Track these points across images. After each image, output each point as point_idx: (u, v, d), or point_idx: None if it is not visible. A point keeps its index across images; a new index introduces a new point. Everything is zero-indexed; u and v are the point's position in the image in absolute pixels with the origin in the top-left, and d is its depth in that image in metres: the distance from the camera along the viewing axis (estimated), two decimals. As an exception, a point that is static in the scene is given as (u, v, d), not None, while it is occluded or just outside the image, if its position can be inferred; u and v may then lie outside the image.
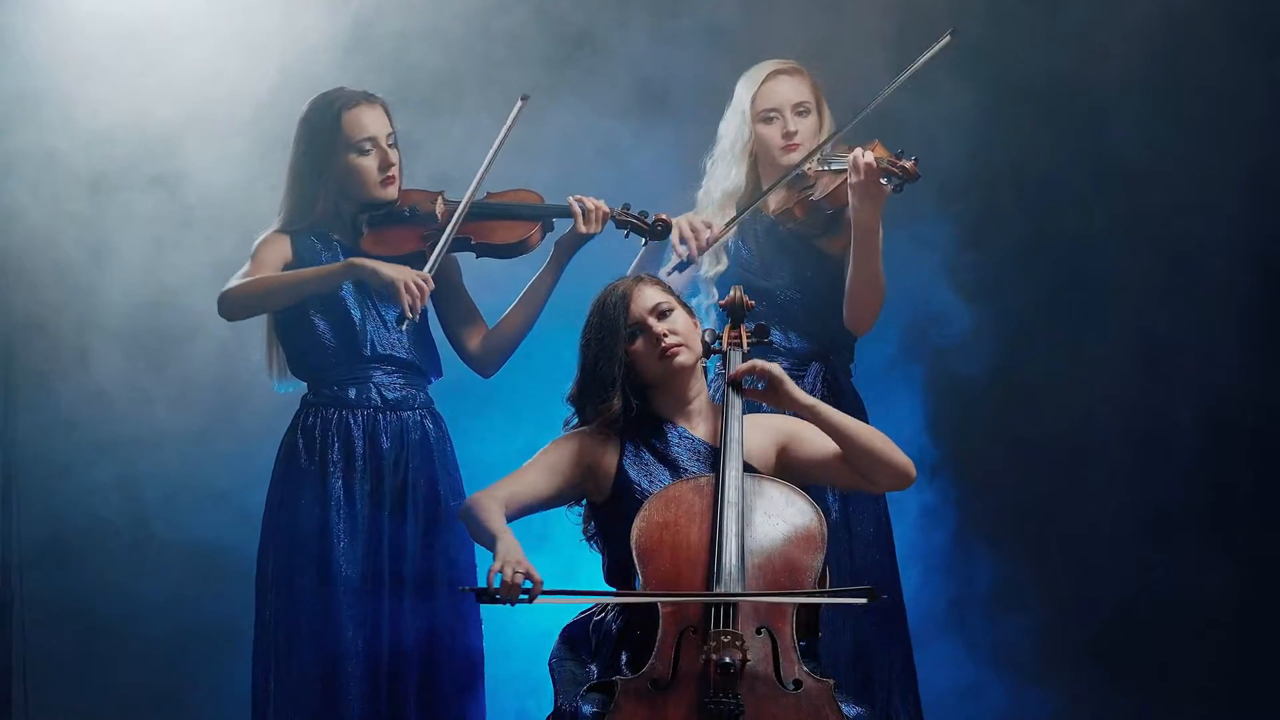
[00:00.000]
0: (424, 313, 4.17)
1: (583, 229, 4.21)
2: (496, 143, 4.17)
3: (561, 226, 4.28)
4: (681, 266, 4.27)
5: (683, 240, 4.25)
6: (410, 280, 4.06)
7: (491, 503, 3.77)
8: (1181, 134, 5.17)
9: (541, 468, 3.86)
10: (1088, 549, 5.21)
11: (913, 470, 3.81)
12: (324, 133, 4.17)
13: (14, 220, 4.97)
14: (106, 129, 4.94)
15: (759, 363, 3.82)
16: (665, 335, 3.82)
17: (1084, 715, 5.13)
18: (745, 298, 3.95)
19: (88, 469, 5.03)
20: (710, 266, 4.36)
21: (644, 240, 4.28)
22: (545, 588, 3.58)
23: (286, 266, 4.19)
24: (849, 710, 3.58)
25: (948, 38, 4.20)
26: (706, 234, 4.27)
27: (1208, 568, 5.15)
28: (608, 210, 4.22)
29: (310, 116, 4.21)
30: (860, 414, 4.31)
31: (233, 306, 4.15)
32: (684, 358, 3.84)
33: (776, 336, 4.28)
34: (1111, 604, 5.18)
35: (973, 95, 5.02)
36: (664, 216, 4.26)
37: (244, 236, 4.82)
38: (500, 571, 3.58)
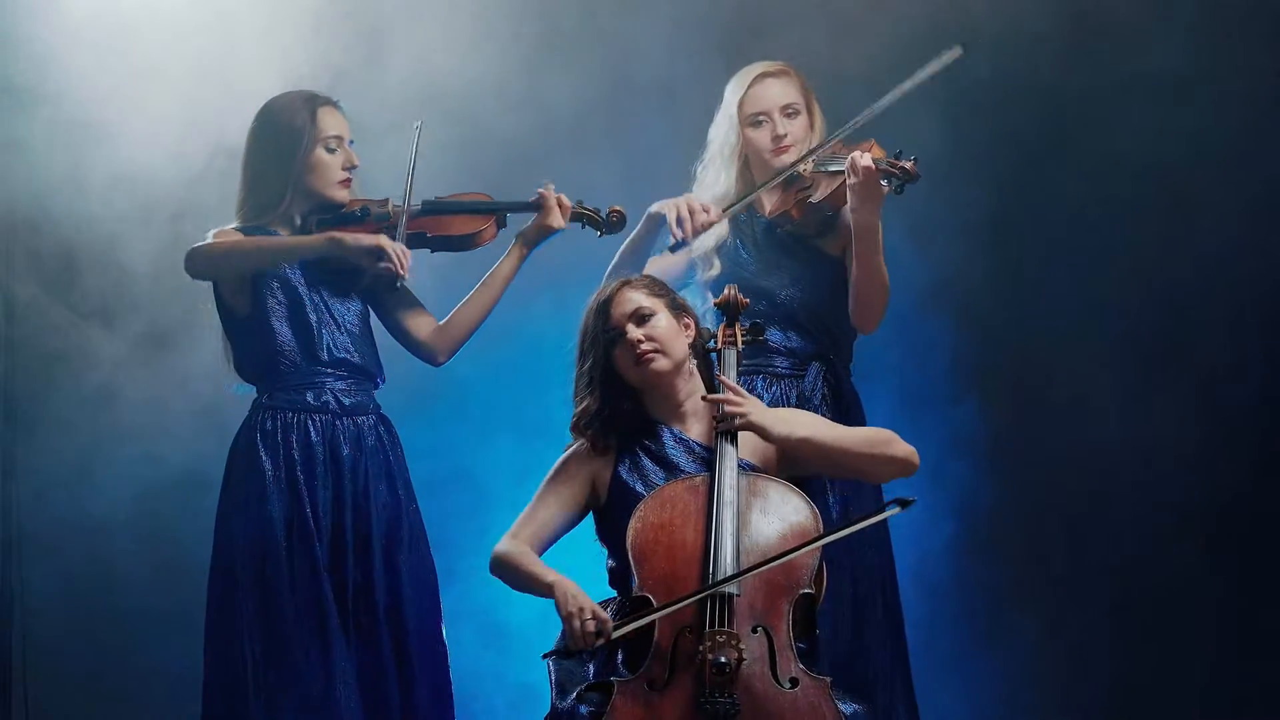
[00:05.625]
0: (366, 315, 4.22)
1: (549, 222, 4.22)
2: (411, 160, 4.19)
3: (514, 223, 4.29)
4: (676, 247, 4.26)
5: (679, 221, 4.23)
6: (392, 245, 4.07)
7: (524, 549, 3.76)
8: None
9: (555, 500, 3.84)
10: (1090, 548, 5.21)
11: (916, 459, 3.78)
12: (295, 129, 4.16)
13: (13, 216, 4.99)
14: (106, 122, 4.97)
15: (741, 413, 3.75)
16: (640, 341, 3.81)
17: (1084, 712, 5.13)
18: (740, 296, 3.95)
19: (88, 469, 5.04)
20: (703, 271, 4.34)
21: (600, 233, 4.27)
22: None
23: None
24: (846, 708, 3.57)
25: (958, 51, 4.13)
26: (703, 217, 4.24)
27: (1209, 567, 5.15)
28: (569, 204, 4.25)
29: (280, 112, 4.19)
30: (858, 413, 4.29)
31: (204, 263, 4.11)
32: (659, 364, 3.83)
33: (776, 336, 4.26)
34: (1112, 602, 5.18)
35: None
36: (619, 209, 4.27)
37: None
38: (570, 627, 3.58)
